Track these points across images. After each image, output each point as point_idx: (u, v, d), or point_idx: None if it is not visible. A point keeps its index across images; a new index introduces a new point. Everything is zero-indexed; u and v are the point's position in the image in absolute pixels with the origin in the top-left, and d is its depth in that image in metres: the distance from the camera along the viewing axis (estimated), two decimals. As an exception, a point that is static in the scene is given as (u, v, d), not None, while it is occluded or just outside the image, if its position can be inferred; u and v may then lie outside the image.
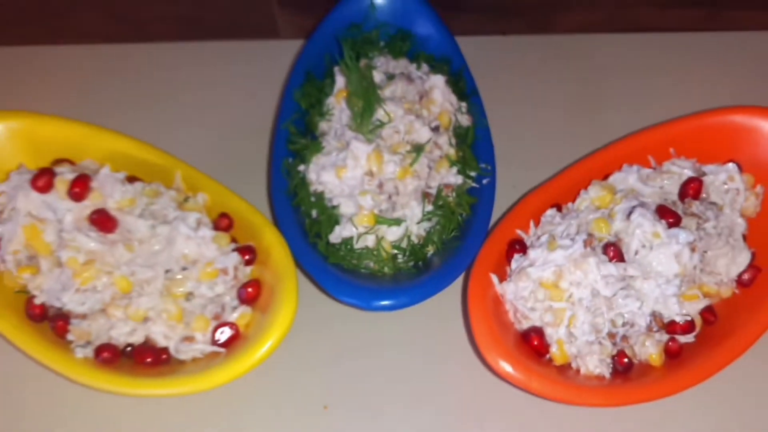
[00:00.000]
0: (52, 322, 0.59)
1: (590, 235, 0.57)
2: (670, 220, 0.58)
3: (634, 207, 0.58)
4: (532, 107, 0.81)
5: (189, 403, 0.60)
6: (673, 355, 0.58)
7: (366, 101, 0.63)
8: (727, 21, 0.87)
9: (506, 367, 0.53)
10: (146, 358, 0.57)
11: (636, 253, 0.57)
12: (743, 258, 0.60)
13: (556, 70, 0.84)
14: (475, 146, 0.68)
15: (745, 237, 0.63)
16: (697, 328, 0.59)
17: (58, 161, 0.65)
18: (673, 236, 0.56)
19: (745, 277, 0.61)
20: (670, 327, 0.58)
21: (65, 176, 0.58)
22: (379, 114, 0.64)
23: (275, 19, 0.87)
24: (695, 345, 0.59)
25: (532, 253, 0.58)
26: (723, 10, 0.86)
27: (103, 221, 0.57)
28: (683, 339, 0.58)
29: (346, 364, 0.63)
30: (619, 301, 0.55)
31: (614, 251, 0.56)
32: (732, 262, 0.59)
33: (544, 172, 0.72)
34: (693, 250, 0.57)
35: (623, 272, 0.56)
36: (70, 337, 0.58)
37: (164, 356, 0.58)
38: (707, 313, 0.60)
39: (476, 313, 0.55)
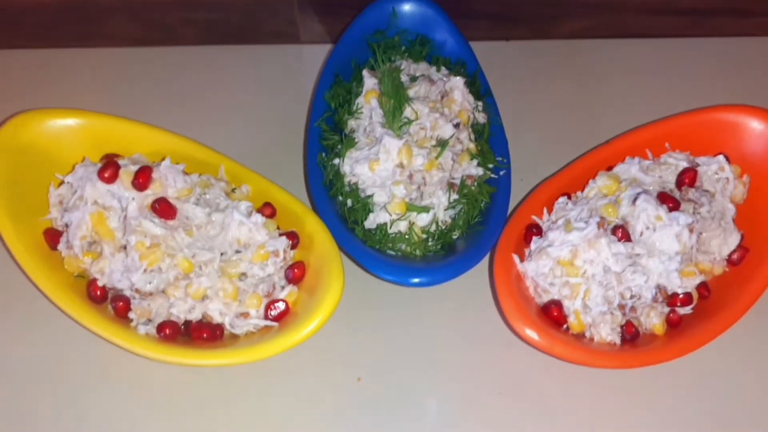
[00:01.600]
0: (112, 302, 0.64)
1: (602, 218, 0.64)
2: (671, 205, 0.65)
3: (638, 194, 0.65)
4: (536, 107, 0.87)
5: (228, 376, 0.65)
6: (674, 324, 0.65)
7: (396, 101, 0.69)
8: (710, 28, 0.95)
9: (532, 335, 0.60)
10: (203, 334, 0.63)
11: (641, 234, 0.65)
12: (734, 239, 0.68)
13: (556, 72, 0.92)
14: (490, 141, 0.75)
15: (734, 220, 0.71)
16: (694, 301, 0.66)
17: (109, 155, 0.70)
18: (674, 219, 0.64)
19: (735, 256, 0.69)
20: (672, 300, 0.65)
21: (129, 168, 0.64)
22: (407, 112, 0.71)
23: (296, 24, 0.93)
24: (692, 316, 0.66)
25: (550, 235, 0.65)
26: (706, 18, 0.94)
27: (164, 209, 0.63)
28: (682, 311, 0.66)
29: (381, 338, 0.69)
30: (628, 276, 0.63)
31: (622, 232, 0.64)
32: (724, 242, 0.67)
33: (549, 165, 0.78)
34: (691, 231, 0.64)
35: (631, 251, 0.63)
36: (131, 315, 0.64)
37: (218, 332, 0.64)
38: (702, 288, 0.68)
39: (503, 289, 0.62)
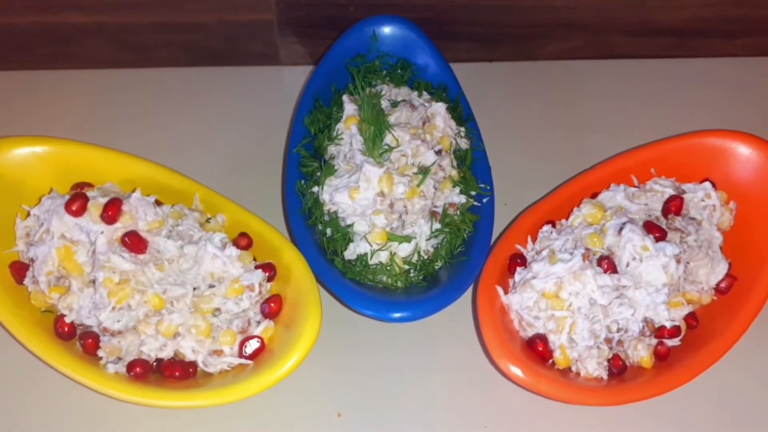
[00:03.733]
0: (81, 339, 0.62)
1: (587, 249, 0.63)
2: (657, 235, 0.63)
3: (624, 223, 0.64)
4: (519, 130, 0.86)
5: (200, 414, 0.63)
6: (662, 357, 0.63)
7: (376, 127, 0.68)
8: (695, 48, 0.94)
9: (516, 372, 0.58)
10: (174, 372, 0.61)
11: (627, 265, 0.63)
12: (721, 268, 0.66)
13: (539, 94, 0.90)
14: (473, 167, 0.74)
15: (722, 248, 0.70)
16: (683, 333, 0.65)
17: (80, 185, 0.68)
18: (660, 249, 0.62)
19: (723, 285, 0.67)
20: (659, 332, 0.63)
21: (98, 200, 0.62)
22: (388, 139, 0.69)
23: (276, 46, 0.91)
24: (681, 348, 0.65)
25: (534, 266, 0.63)
26: (689, 39, 0.93)
27: (134, 242, 0.61)
28: (670, 343, 0.64)
29: (361, 372, 0.67)
30: (615, 309, 0.61)
31: (608, 263, 0.62)
32: (711, 272, 0.66)
33: (533, 191, 0.77)
34: (678, 261, 0.62)
35: (617, 282, 0.61)
36: (100, 353, 0.61)
37: (191, 370, 0.61)
38: (690, 318, 0.66)
39: (486, 323, 0.60)
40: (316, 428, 0.65)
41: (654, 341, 0.63)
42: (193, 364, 0.61)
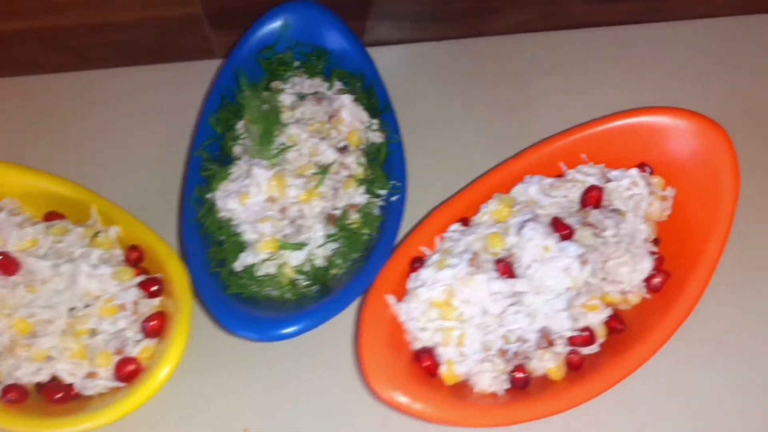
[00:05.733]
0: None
1: (475, 253, 0.57)
2: (563, 233, 0.57)
3: (525, 221, 0.57)
4: (462, 115, 0.80)
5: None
6: (574, 367, 0.57)
7: (265, 127, 0.63)
8: (662, 12, 0.85)
9: (388, 395, 0.53)
10: (56, 395, 0.59)
11: (528, 267, 0.56)
12: (645, 264, 0.59)
13: (487, 73, 0.83)
14: (389, 163, 0.68)
15: (657, 241, 0.62)
16: (601, 339, 0.58)
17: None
18: (562, 250, 0.56)
19: (655, 281, 0.60)
20: (571, 339, 0.57)
21: (-35, 222, 0.60)
22: (283, 137, 0.65)
23: (209, 40, 0.87)
24: (600, 355, 0.58)
25: (423, 273, 0.57)
26: (660, 2, 0.84)
27: (4, 264, 0.59)
28: (586, 350, 0.58)
29: (261, 385, 0.64)
30: (509, 317, 0.55)
31: (504, 267, 0.56)
32: (633, 269, 0.59)
33: (462, 185, 0.71)
34: (584, 262, 0.56)
35: (512, 288, 0.55)
36: (-22, 377, 0.59)
37: (73, 392, 0.59)
38: (615, 321, 0.59)
39: (365, 336, 0.56)
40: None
41: (565, 350, 0.57)
42: (73, 386, 0.59)
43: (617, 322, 0.59)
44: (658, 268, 0.61)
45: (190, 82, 0.85)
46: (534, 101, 0.81)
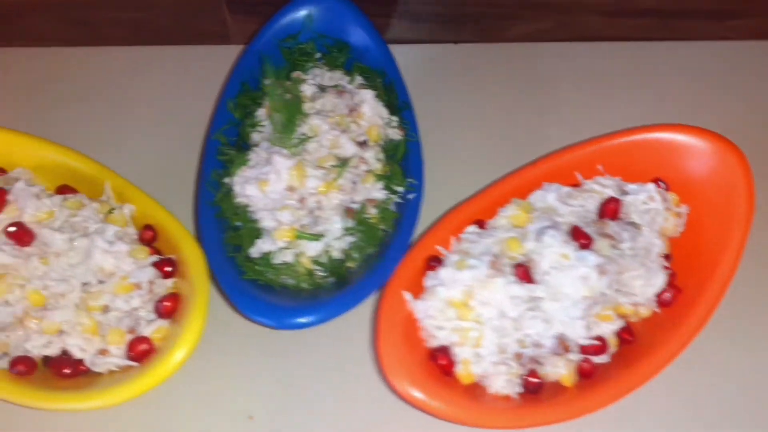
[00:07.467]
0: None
1: (496, 256, 0.57)
2: (582, 242, 0.58)
3: (545, 228, 0.58)
4: (476, 119, 0.80)
5: (110, 415, 0.61)
6: (586, 375, 0.58)
7: (287, 116, 0.63)
8: (674, 30, 0.86)
9: (404, 389, 0.54)
10: (64, 369, 0.58)
11: (546, 274, 0.57)
12: (658, 279, 0.60)
13: (504, 78, 0.84)
14: (406, 161, 0.68)
15: (668, 257, 0.63)
16: (612, 349, 0.59)
17: (-13, 170, 0.65)
18: (581, 259, 0.56)
19: (666, 296, 0.61)
20: (584, 348, 0.58)
21: (-18, 191, 0.59)
22: (305, 128, 0.65)
23: (227, 25, 0.87)
24: (611, 365, 0.59)
25: (441, 272, 0.58)
26: (670, 20, 0.85)
27: (19, 235, 0.58)
28: (597, 359, 0.59)
29: (269, 374, 0.64)
30: (526, 322, 0.56)
31: (523, 272, 0.57)
32: (647, 283, 0.59)
33: (480, 186, 0.71)
34: (602, 272, 0.57)
35: (530, 293, 0.56)
36: (-13, 347, 0.59)
37: (82, 367, 0.59)
38: (625, 332, 0.60)
39: (383, 330, 0.56)
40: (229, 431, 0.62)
41: (577, 357, 0.58)
42: (83, 362, 0.58)
43: (627, 334, 0.60)
44: (670, 283, 0.62)
45: (207, 65, 0.84)
46: (546, 110, 0.82)
